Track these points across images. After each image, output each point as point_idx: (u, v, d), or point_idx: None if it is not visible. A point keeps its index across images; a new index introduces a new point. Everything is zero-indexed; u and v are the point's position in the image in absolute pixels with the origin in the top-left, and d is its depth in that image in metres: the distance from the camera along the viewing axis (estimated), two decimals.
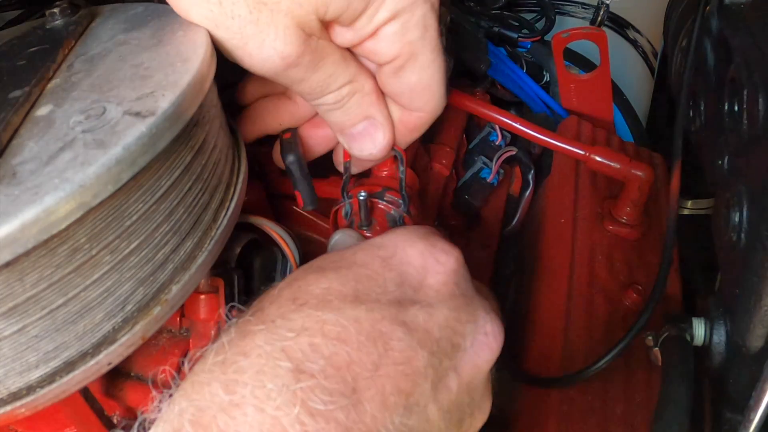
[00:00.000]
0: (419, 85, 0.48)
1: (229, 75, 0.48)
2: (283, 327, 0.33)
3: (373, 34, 0.45)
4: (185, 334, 0.49)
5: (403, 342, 0.35)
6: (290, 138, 0.54)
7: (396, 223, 0.59)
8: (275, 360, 0.31)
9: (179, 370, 0.48)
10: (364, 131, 0.51)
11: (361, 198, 0.55)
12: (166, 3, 0.43)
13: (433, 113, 0.50)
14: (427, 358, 0.35)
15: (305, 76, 0.44)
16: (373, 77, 0.50)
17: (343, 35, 0.45)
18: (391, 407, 0.33)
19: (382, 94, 0.50)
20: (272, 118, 0.55)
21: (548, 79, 1.05)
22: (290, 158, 0.53)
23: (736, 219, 0.48)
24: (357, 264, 0.38)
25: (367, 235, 0.57)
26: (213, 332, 0.48)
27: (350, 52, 0.48)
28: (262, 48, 0.41)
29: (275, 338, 0.32)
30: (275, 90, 0.55)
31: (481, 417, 0.42)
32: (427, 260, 0.40)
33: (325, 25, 0.43)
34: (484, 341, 0.40)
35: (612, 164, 0.74)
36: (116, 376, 0.47)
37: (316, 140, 0.56)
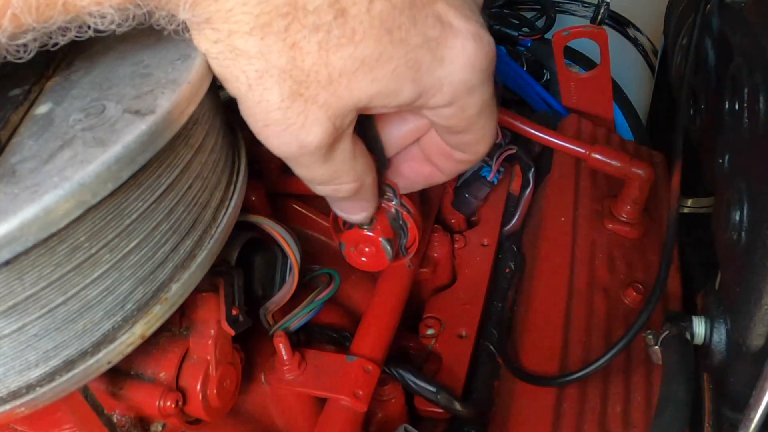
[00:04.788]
0: (473, 141, 0.46)
1: None
2: None
3: (427, 111, 0.43)
4: (185, 332, 0.49)
5: None
6: None
7: (396, 222, 0.59)
8: None
9: (179, 369, 0.48)
10: (349, 207, 0.50)
11: None
12: None
13: (482, 157, 0.49)
14: None
15: (311, 166, 0.41)
16: (374, 168, 0.47)
17: (384, 111, 0.42)
18: None
19: (377, 185, 0.48)
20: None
21: (548, 78, 1.05)
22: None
23: (737, 218, 0.48)
24: None
25: (368, 234, 0.57)
26: (213, 331, 0.48)
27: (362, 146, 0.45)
28: (282, 135, 0.38)
29: None
30: None
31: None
32: None
33: (364, 110, 0.40)
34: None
35: (612, 163, 0.74)
36: (116, 375, 0.47)
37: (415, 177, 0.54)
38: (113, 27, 0.32)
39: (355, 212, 0.50)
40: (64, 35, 0.32)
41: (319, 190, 0.45)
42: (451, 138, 0.46)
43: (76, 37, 0.32)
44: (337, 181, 0.44)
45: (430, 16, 0.37)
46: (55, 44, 0.32)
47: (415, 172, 0.52)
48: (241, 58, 0.35)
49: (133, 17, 0.33)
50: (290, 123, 0.37)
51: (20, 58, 0.31)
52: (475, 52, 0.39)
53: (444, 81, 0.40)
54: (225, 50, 0.35)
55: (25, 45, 0.31)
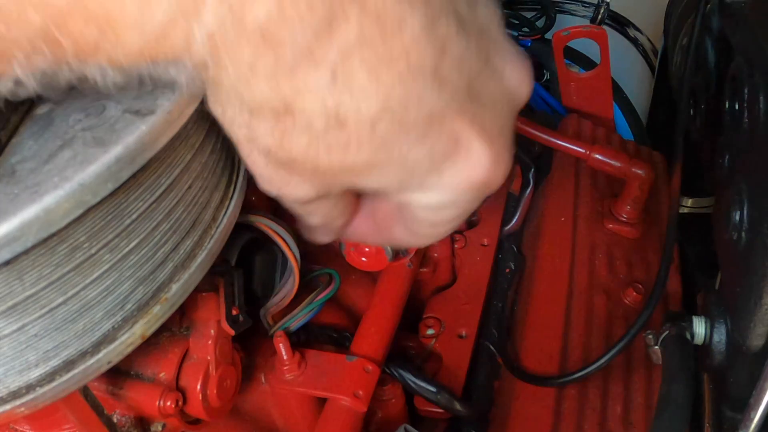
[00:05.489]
0: (433, 235, 0.43)
1: None
2: None
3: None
4: (185, 332, 0.49)
5: None
6: None
7: None
8: None
9: (179, 369, 0.48)
10: (315, 231, 0.48)
11: None
12: None
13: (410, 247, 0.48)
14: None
15: (290, 205, 0.40)
16: (348, 215, 0.45)
17: None
18: None
19: (344, 227, 0.46)
20: None
21: (548, 78, 1.05)
22: None
23: (737, 217, 0.48)
24: None
25: None
26: (213, 331, 0.48)
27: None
28: (265, 184, 0.37)
29: None
30: None
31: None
32: None
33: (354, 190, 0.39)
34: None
35: (612, 162, 0.74)
36: (116, 375, 0.47)
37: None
38: (112, 88, 0.30)
39: (315, 236, 0.48)
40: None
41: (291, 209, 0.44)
42: (412, 224, 0.43)
43: (80, 85, 0.30)
44: (310, 218, 0.43)
45: (445, 134, 0.33)
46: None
47: (359, 225, 0.48)
48: (234, 122, 0.33)
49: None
50: (275, 181, 0.36)
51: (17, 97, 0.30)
52: (482, 176, 0.35)
53: (435, 188, 0.36)
54: (217, 111, 0.33)
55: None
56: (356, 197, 0.44)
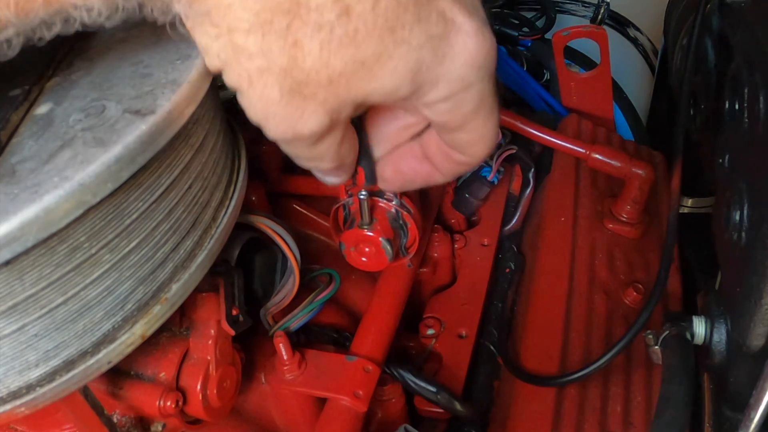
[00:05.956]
0: (470, 141, 0.45)
1: None
2: None
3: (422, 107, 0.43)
4: (185, 332, 0.49)
5: None
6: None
7: (396, 222, 0.59)
8: None
9: (179, 369, 0.48)
10: (325, 175, 0.49)
11: (362, 197, 0.55)
12: None
13: (481, 160, 0.48)
14: None
15: (300, 148, 0.42)
16: (357, 150, 0.48)
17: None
18: None
19: (356, 161, 0.49)
20: None
21: (548, 78, 1.05)
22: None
23: (737, 218, 0.48)
24: None
25: (368, 234, 0.57)
26: (213, 331, 0.48)
27: (353, 130, 0.45)
28: (280, 125, 0.38)
29: None
30: None
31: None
32: None
33: (363, 106, 0.41)
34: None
35: (612, 162, 0.74)
36: (116, 375, 0.47)
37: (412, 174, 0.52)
38: (101, 20, 0.31)
39: (329, 178, 0.50)
40: (50, 30, 0.31)
41: (300, 163, 0.46)
42: (448, 136, 0.46)
43: (63, 31, 0.31)
44: (319, 162, 0.44)
45: (434, 12, 0.37)
46: (41, 38, 0.30)
47: (413, 170, 0.52)
48: (242, 56, 0.35)
49: (122, 9, 0.32)
50: (288, 116, 0.37)
51: (5, 56, 0.30)
52: (476, 49, 0.39)
53: (442, 77, 0.39)
54: (226, 47, 0.35)
55: (8, 41, 0.30)
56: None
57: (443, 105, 0.42)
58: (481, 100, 0.42)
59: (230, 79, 0.37)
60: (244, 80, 0.36)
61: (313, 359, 0.55)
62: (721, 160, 0.55)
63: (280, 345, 0.53)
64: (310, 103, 0.37)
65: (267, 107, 0.37)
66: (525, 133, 0.77)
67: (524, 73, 1.00)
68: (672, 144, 0.65)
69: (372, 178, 0.54)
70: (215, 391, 0.48)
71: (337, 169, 0.47)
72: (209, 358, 0.48)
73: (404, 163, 0.52)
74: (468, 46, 0.39)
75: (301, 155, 0.43)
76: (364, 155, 0.52)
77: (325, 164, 0.45)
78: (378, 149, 0.51)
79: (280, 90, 0.36)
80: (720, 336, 0.52)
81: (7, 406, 0.34)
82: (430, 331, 0.67)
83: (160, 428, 0.50)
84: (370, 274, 0.66)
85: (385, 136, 0.50)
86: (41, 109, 0.37)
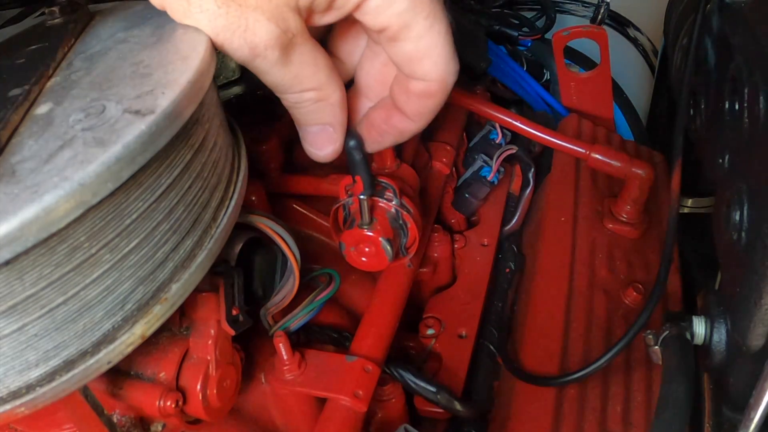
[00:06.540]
0: (417, 54, 0.46)
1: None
2: None
3: (356, 9, 0.44)
4: (185, 332, 0.49)
5: None
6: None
7: (396, 222, 0.59)
8: None
9: (179, 369, 0.48)
10: (318, 134, 0.50)
11: (362, 197, 0.55)
12: None
13: (440, 82, 0.48)
14: None
15: (271, 70, 0.43)
16: (343, 87, 0.49)
17: (325, 17, 0.45)
18: None
19: (346, 106, 0.50)
20: None
21: (548, 78, 1.05)
22: (351, 143, 0.52)
23: (737, 217, 0.48)
24: None
25: (368, 234, 0.57)
26: (213, 331, 0.48)
27: (330, 55, 0.47)
28: (233, 40, 0.41)
29: None
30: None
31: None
32: None
33: (305, 14, 0.43)
34: None
35: (612, 162, 0.74)
36: (116, 375, 0.47)
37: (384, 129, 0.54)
38: None
39: (323, 144, 0.51)
40: None
41: (285, 99, 0.47)
42: (394, 50, 0.47)
43: None
44: (299, 86, 0.45)
45: None
46: None
47: (384, 120, 0.52)
48: None
49: None
50: (235, 27, 0.40)
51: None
52: None
53: None
54: None
55: None
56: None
57: (373, 2, 0.43)
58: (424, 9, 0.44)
59: (174, 7, 0.40)
60: (183, 1, 0.39)
61: (313, 359, 0.55)
62: (720, 160, 0.55)
63: (280, 345, 0.53)
64: (246, 10, 0.40)
65: (211, 21, 0.40)
66: (525, 133, 0.77)
67: (524, 73, 1.00)
68: (672, 144, 0.65)
69: (370, 188, 0.54)
70: (215, 391, 0.48)
71: (323, 108, 0.48)
72: (209, 358, 0.48)
73: (376, 114, 0.53)
74: None
75: (277, 80, 0.44)
76: (361, 166, 0.53)
77: (306, 92, 0.46)
78: (370, 95, 0.53)
79: (215, 1, 0.39)
80: (720, 336, 0.52)
81: (7, 406, 0.34)
82: (430, 331, 0.67)
83: (160, 428, 0.50)
84: (370, 274, 0.66)
85: (373, 80, 0.52)
86: (41, 109, 0.37)
